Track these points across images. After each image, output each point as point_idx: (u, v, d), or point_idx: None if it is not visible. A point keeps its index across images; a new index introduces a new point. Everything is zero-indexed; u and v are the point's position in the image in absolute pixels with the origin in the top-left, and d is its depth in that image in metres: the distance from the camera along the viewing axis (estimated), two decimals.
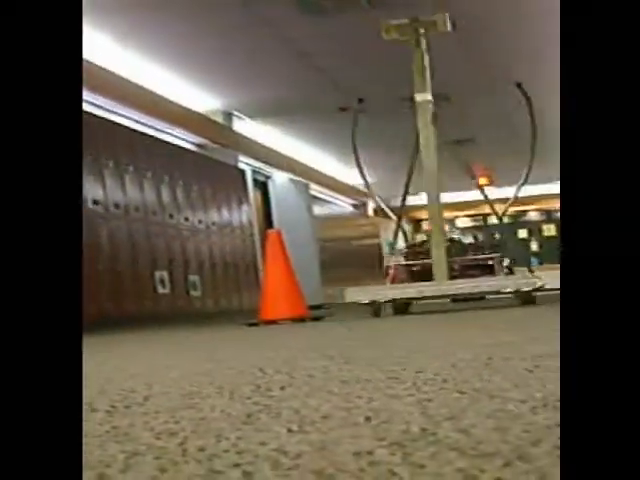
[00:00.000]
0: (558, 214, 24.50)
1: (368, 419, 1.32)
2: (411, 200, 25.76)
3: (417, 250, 7.97)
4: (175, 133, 11.90)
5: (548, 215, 24.63)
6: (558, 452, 0.96)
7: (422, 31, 7.16)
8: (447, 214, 24.43)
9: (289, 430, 1.27)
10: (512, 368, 1.93)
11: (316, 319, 7.22)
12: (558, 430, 1.11)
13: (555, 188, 23.81)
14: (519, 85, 8.43)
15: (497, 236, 24.42)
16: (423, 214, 24.49)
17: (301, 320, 7.11)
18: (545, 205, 24.37)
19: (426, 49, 7.21)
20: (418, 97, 7.18)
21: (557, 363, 1.97)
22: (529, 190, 23.15)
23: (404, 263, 7.82)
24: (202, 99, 12.24)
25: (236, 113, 13.37)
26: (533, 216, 24.56)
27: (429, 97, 7.18)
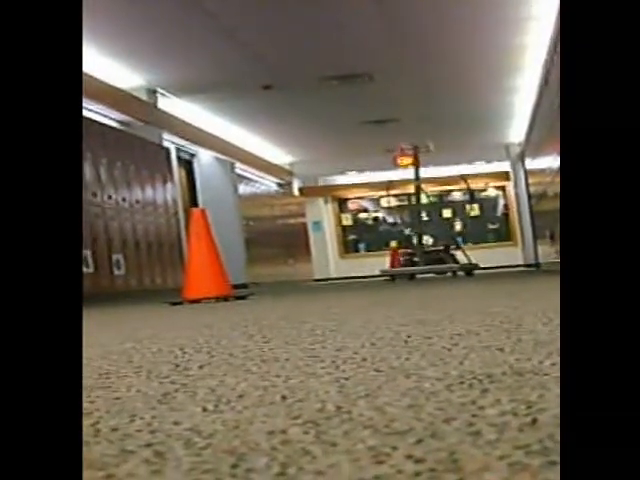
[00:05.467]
0: (482, 194, 24.75)
1: (284, 398, 1.31)
2: (337, 179, 25.90)
3: None
4: (98, 110, 11.73)
5: (471, 195, 24.87)
6: (469, 429, 0.97)
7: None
8: (371, 193, 24.54)
9: (204, 409, 1.26)
10: (430, 346, 1.95)
11: (240, 298, 7.22)
12: (472, 407, 1.11)
13: (477, 169, 24.04)
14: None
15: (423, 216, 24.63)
16: (349, 193, 24.56)
17: (225, 299, 7.10)
18: (469, 185, 24.58)
19: None
20: None
21: (475, 341, 1.99)
22: (453, 170, 23.37)
23: None
24: (126, 76, 12.09)
25: (160, 90, 13.22)
26: (457, 196, 24.76)
27: None
